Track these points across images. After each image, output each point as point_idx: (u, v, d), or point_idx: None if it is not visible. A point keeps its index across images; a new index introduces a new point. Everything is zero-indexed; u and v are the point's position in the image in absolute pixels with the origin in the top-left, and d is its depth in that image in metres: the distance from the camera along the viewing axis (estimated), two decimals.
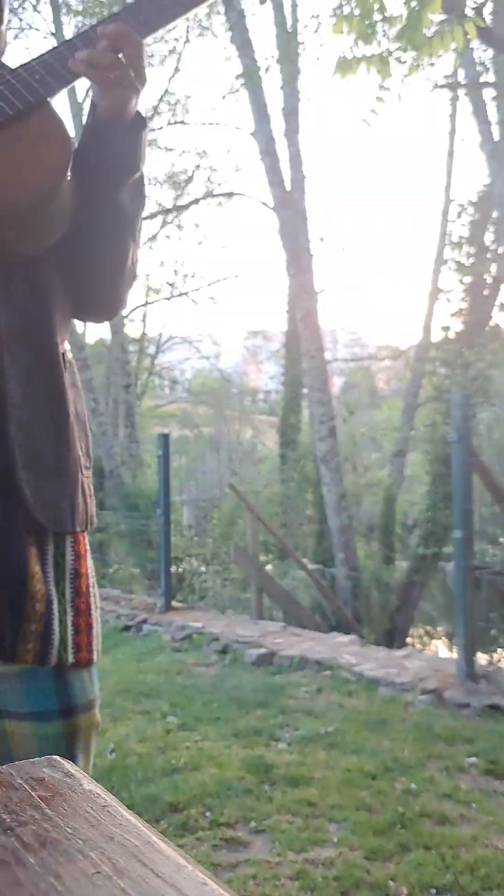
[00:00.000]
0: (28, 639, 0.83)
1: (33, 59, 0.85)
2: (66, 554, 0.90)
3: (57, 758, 0.32)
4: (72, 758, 0.86)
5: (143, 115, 0.87)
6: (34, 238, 0.84)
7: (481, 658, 3.15)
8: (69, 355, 0.96)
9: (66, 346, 0.97)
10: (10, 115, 0.81)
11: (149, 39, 0.88)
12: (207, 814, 1.83)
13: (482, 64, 6.78)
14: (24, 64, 0.85)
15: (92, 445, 1.00)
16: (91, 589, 0.92)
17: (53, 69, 0.83)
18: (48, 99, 0.82)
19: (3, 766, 0.31)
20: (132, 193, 0.89)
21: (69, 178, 0.81)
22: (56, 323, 0.92)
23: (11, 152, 0.81)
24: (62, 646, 0.85)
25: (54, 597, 0.86)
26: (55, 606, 0.86)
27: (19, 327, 0.87)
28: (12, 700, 0.84)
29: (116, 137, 0.85)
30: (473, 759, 2.22)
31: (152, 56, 11.53)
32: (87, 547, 0.95)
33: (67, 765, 0.32)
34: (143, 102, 0.88)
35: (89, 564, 0.94)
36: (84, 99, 9.64)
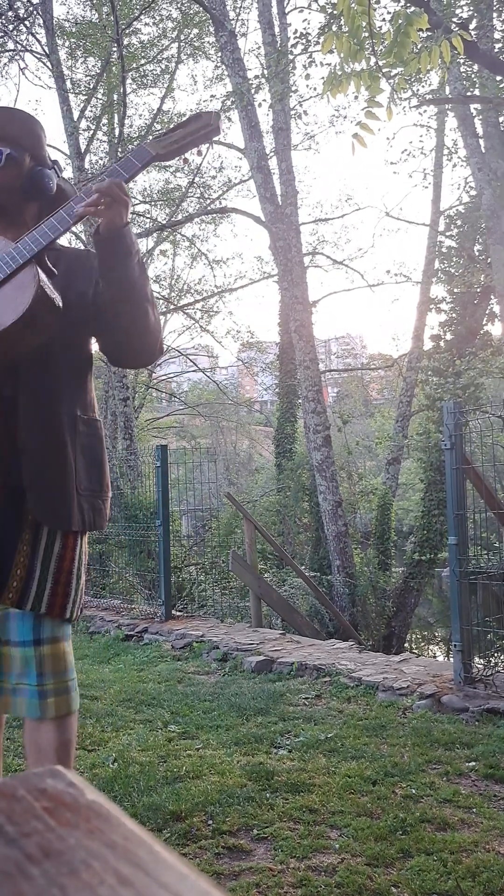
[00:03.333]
0: (10, 590, 1.34)
1: (41, 222, 1.36)
2: (55, 545, 1.39)
3: (60, 768, 0.32)
4: (41, 673, 1.36)
5: (128, 221, 1.37)
6: (25, 345, 1.32)
7: (478, 662, 3.17)
8: (92, 414, 1.48)
9: (90, 406, 1.48)
10: (14, 267, 1.31)
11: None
12: (210, 822, 1.83)
13: (468, 78, 6.91)
14: (33, 228, 1.35)
15: (106, 476, 1.49)
16: (74, 571, 1.41)
17: (54, 226, 1.34)
18: (35, 253, 1.31)
19: (6, 778, 0.31)
20: (138, 270, 1.38)
21: (51, 305, 1.30)
22: (62, 394, 1.41)
23: (5, 295, 1.30)
24: (37, 600, 1.35)
25: (37, 569, 1.37)
26: (36, 574, 1.36)
27: (30, 401, 1.37)
28: (7, 632, 1.36)
29: (117, 238, 1.35)
30: (472, 764, 2.23)
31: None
32: (78, 543, 1.43)
33: (70, 775, 0.32)
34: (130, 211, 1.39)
35: (76, 555, 1.42)
36: (78, 119, 9.77)
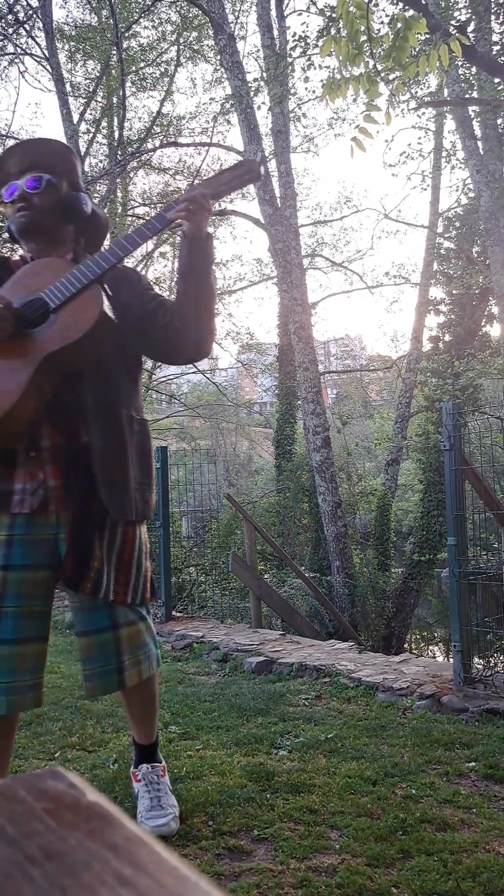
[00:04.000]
0: (88, 580, 1.49)
1: (122, 235, 1.58)
2: (116, 538, 1.57)
3: (60, 769, 0.32)
4: (118, 652, 1.55)
5: (210, 233, 1.57)
6: (87, 356, 1.49)
7: (478, 663, 3.17)
8: (142, 415, 1.68)
9: (140, 408, 1.68)
10: (78, 289, 1.46)
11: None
12: (210, 822, 1.83)
13: (466, 81, 6.93)
14: (108, 245, 1.57)
15: (153, 470, 1.68)
16: (134, 560, 1.60)
17: (114, 251, 1.51)
18: (101, 274, 1.47)
19: (7, 780, 0.31)
20: (213, 276, 1.59)
21: (108, 322, 1.46)
22: (120, 397, 1.58)
23: (74, 310, 1.45)
24: (106, 589, 1.51)
25: (104, 561, 1.53)
26: (105, 567, 1.52)
27: (95, 405, 1.53)
28: (85, 623, 1.54)
29: (204, 244, 1.54)
30: (472, 764, 2.24)
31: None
32: (137, 534, 1.62)
33: (71, 776, 0.31)
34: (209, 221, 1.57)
35: (135, 546, 1.61)
36: (78, 122, 9.78)
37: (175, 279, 1.59)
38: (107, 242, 1.71)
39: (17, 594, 1.46)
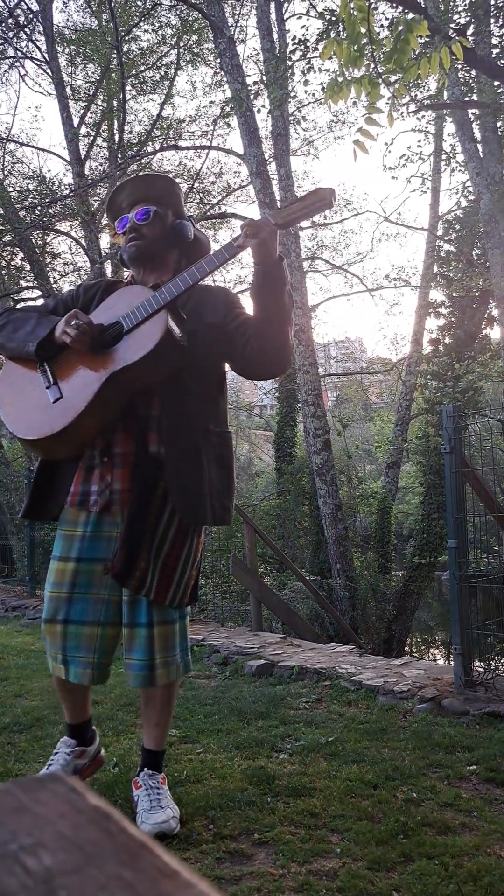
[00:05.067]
0: (133, 578, 1.66)
1: (176, 275, 1.67)
2: (166, 543, 1.70)
3: (61, 773, 0.32)
4: (150, 649, 1.70)
5: (282, 256, 1.68)
6: (154, 375, 1.65)
7: (479, 666, 3.17)
8: (224, 427, 1.80)
9: (222, 420, 1.81)
10: (148, 314, 1.62)
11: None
12: (210, 826, 1.83)
13: (466, 84, 6.95)
14: (170, 279, 1.67)
15: (233, 479, 1.80)
16: (179, 565, 1.72)
17: (185, 278, 1.63)
18: (167, 302, 1.61)
19: (7, 784, 0.31)
20: (287, 298, 1.67)
21: (175, 344, 1.60)
22: (194, 412, 1.71)
23: (140, 334, 1.61)
24: (149, 588, 1.67)
25: (151, 562, 1.68)
26: (150, 567, 1.68)
27: (166, 419, 1.68)
28: (127, 615, 1.71)
29: (275, 269, 1.65)
30: (473, 767, 2.23)
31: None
32: (187, 542, 1.74)
33: (71, 780, 0.31)
34: (280, 249, 1.68)
35: (183, 552, 1.73)
36: (78, 125, 9.80)
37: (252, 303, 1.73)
38: None
39: (86, 582, 1.70)
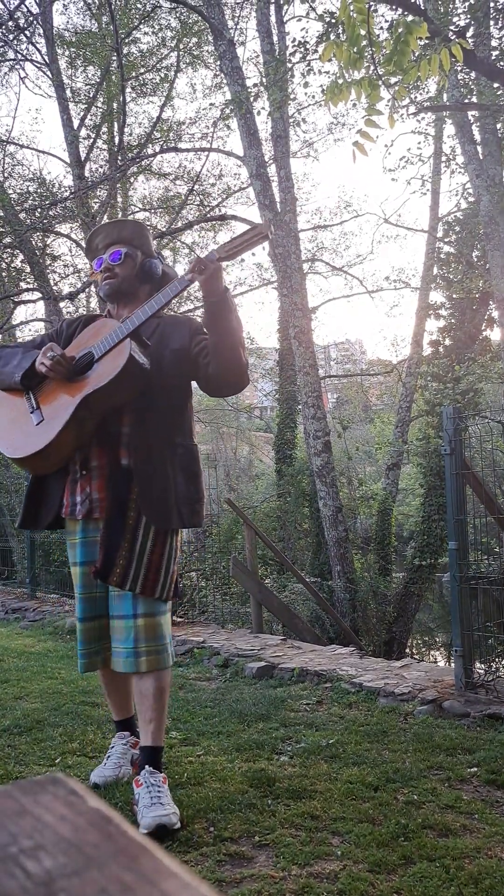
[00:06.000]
0: (114, 574, 1.86)
1: (141, 305, 1.91)
2: (148, 542, 1.89)
3: (61, 776, 0.32)
4: (136, 638, 1.85)
5: (226, 286, 1.89)
6: (120, 397, 1.87)
7: (479, 668, 3.16)
8: (190, 439, 1.99)
9: (188, 433, 2.00)
10: (113, 344, 1.86)
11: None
12: (211, 829, 1.82)
13: (466, 86, 6.96)
14: (134, 311, 1.93)
15: (201, 485, 1.99)
16: (163, 562, 1.90)
17: (145, 309, 1.87)
18: (129, 332, 1.85)
19: (7, 786, 0.31)
20: (235, 323, 1.87)
21: (138, 368, 1.84)
22: (160, 427, 1.91)
23: (107, 361, 1.85)
24: (133, 582, 1.86)
25: (134, 559, 1.87)
26: (133, 564, 1.86)
27: (134, 433, 1.90)
28: (114, 608, 1.89)
29: (221, 301, 1.85)
30: (474, 769, 2.23)
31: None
32: (167, 540, 1.92)
33: (71, 782, 0.31)
34: (225, 278, 1.97)
35: (165, 550, 1.91)
36: (78, 128, 9.82)
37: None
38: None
39: (82, 584, 1.95)
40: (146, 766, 1.86)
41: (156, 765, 1.88)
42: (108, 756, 2.13)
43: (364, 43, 2.75)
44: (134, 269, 2.02)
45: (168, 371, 1.90)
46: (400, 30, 2.72)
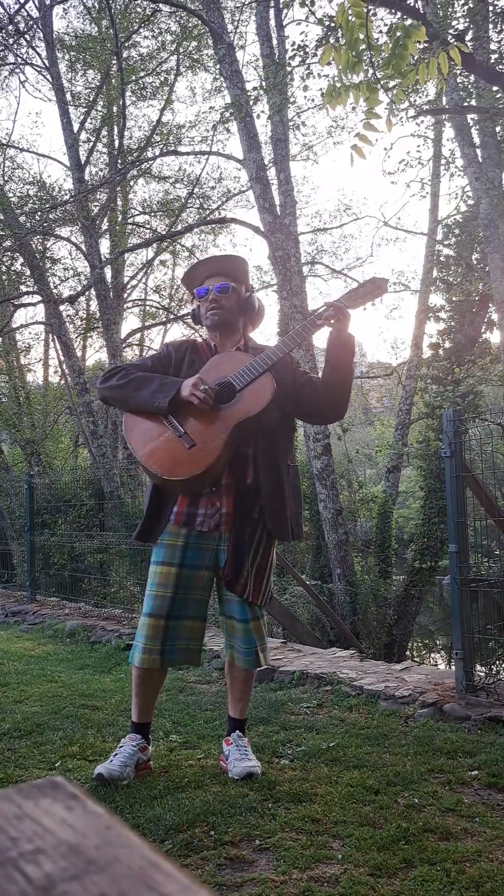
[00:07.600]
0: (239, 584, 2.15)
1: (279, 341, 2.19)
2: (258, 554, 2.19)
3: (61, 779, 0.32)
4: (252, 639, 2.21)
5: (350, 333, 2.18)
6: (260, 422, 2.13)
7: (480, 670, 3.15)
8: (295, 462, 2.28)
9: (293, 455, 2.30)
10: (257, 375, 2.12)
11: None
12: (211, 833, 1.82)
13: (465, 89, 6.98)
14: (268, 347, 2.22)
15: (301, 501, 2.26)
16: (266, 573, 2.22)
17: (286, 342, 2.17)
18: (272, 365, 2.14)
19: (7, 790, 0.31)
20: (353, 364, 2.20)
21: (276, 395, 2.13)
22: (280, 450, 2.20)
23: (254, 391, 2.12)
24: (248, 591, 2.16)
25: (250, 571, 2.17)
26: (250, 575, 2.16)
27: (263, 456, 2.17)
28: (235, 612, 2.20)
29: (347, 344, 2.16)
30: (475, 773, 2.22)
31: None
32: (271, 552, 2.23)
33: (71, 786, 0.31)
34: (351, 327, 2.17)
35: (268, 563, 2.23)
36: (78, 131, 9.83)
37: (324, 366, 2.20)
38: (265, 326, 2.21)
39: (186, 585, 2.13)
40: (235, 731, 2.27)
41: (243, 731, 2.30)
42: (116, 754, 2.16)
43: (363, 47, 2.75)
44: (238, 302, 2.25)
45: (283, 401, 2.16)
46: (398, 33, 2.73)
